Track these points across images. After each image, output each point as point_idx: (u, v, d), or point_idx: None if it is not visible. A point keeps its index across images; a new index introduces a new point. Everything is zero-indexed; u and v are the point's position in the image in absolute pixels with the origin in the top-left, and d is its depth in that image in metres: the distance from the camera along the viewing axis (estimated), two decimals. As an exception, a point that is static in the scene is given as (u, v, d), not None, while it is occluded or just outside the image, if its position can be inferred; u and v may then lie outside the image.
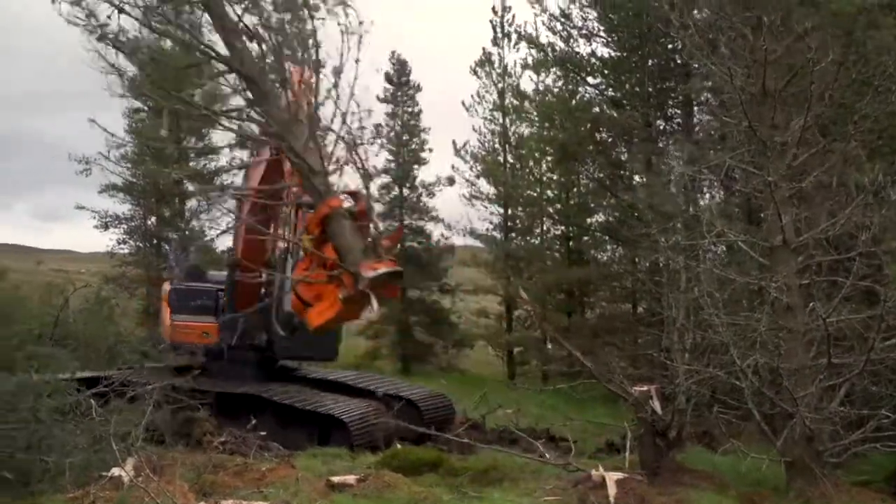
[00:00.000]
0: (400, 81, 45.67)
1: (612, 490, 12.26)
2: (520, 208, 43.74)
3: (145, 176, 40.70)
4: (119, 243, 44.83)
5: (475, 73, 44.49)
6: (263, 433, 18.14)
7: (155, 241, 44.75)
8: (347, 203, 12.52)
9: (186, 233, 41.71)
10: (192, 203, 42.85)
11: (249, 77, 12.89)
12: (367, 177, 12.90)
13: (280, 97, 13.01)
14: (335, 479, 12.94)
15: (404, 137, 45.22)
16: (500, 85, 44.21)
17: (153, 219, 44.39)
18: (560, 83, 40.25)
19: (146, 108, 40.07)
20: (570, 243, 41.52)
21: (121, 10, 12.41)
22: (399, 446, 17.51)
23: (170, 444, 14.54)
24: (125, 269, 44.46)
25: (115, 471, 10.81)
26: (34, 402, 10.32)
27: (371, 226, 12.27)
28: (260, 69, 13.14)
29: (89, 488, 10.36)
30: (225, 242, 37.22)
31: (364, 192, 12.57)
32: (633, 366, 18.64)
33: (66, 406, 11.08)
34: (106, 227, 44.01)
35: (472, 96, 44.58)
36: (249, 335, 20.92)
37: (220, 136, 44.06)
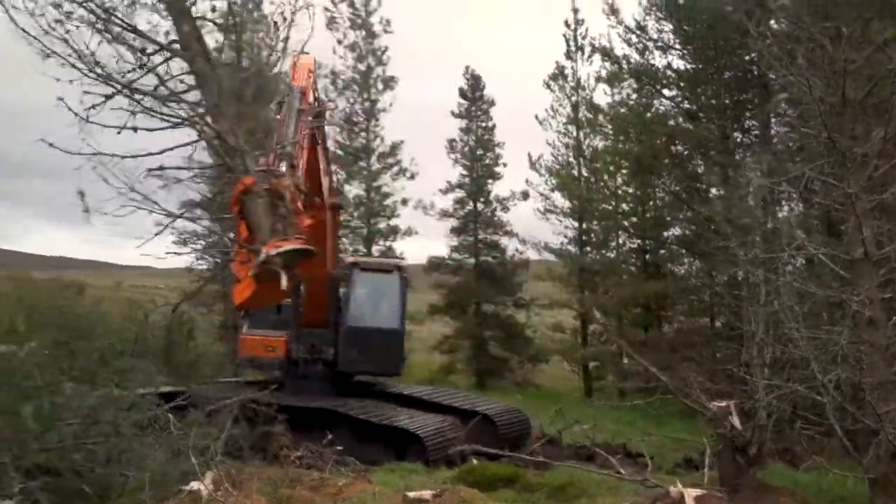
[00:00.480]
0: (474, 97, 45.94)
1: (690, 507, 12.10)
2: (595, 222, 43.59)
3: (223, 191, 41.15)
4: (197, 259, 45.40)
5: (548, 86, 44.49)
6: (340, 448, 18.18)
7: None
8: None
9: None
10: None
11: (190, 59, 13.17)
12: (287, 156, 12.96)
13: (212, 79, 13.25)
14: (411, 494, 12.90)
15: (478, 152, 45.43)
16: (573, 98, 44.14)
17: (231, 235, 44.79)
18: (635, 96, 40.08)
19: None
20: (647, 257, 41.29)
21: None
22: (475, 461, 17.45)
23: (247, 458, 14.64)
24: (203, 285, 45.00)
25: (195, 484, 10.92)
26: (115, 415, 10.45)
27: (285, 204, 12.23)
28: (200, 51, 13.38)
29: (168, 502, 10.47)
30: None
31: (281, 170, 12.61)
32: (711, 381, 18.33)
33: (146, 420, 11.22)
34: (184, 243, 44.59)
35: (545, 110, 44.62)
36: (317, 349, 21.02)
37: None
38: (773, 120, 33.83)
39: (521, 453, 18.72)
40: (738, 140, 36.01)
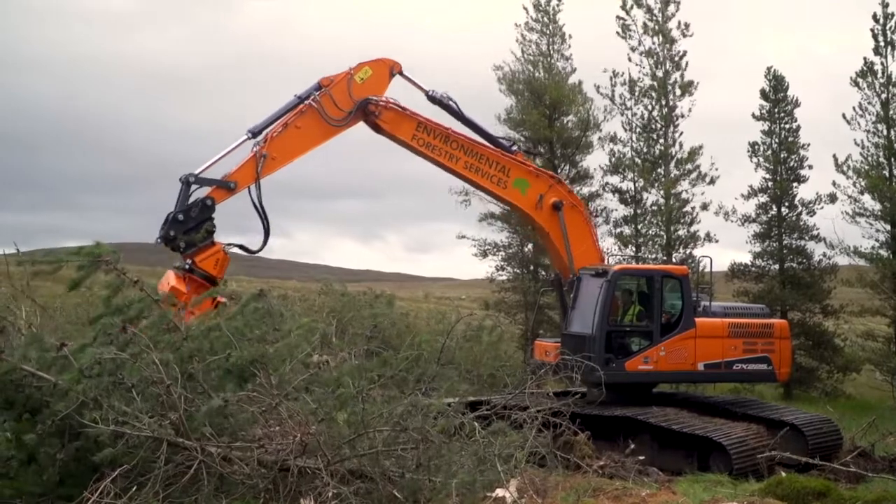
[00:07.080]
0: (776, 98, 45.07)
1: None
2: (907, 225, 41.49)
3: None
4: (497, 270, 46.59)
5: (856, 84, 42.58)
6: (642, 457, 18.12)
7: (532, 267, 46.02)
8: None
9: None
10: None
11: None
12: None
13: None
14: (716, 506, 12.74)
15: (782, 155, 44.55)
16: (883, 95, 42.11)
17: (530, 245, 45.63)
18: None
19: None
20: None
21: None
22: (783, 473, 16.99)
23: (550, 466, 14.82)
24: (504, 295, 46.19)
25: (500, 491, 11.15)
26: (423, 423, 10.77)
27: None
28: None
29: (474, 508, 10.73)
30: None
31: None
32: None
33: (452, 428, 11.51)
34: (485, 254, 45.90)
35: (853, 108, 42.75)
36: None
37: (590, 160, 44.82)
38: None
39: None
40: None
